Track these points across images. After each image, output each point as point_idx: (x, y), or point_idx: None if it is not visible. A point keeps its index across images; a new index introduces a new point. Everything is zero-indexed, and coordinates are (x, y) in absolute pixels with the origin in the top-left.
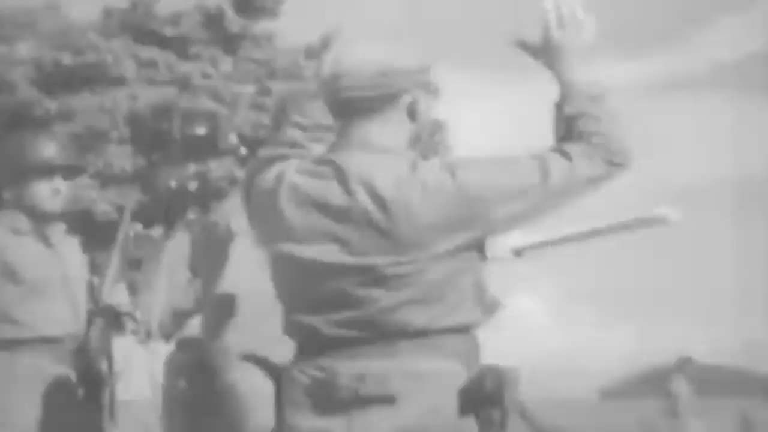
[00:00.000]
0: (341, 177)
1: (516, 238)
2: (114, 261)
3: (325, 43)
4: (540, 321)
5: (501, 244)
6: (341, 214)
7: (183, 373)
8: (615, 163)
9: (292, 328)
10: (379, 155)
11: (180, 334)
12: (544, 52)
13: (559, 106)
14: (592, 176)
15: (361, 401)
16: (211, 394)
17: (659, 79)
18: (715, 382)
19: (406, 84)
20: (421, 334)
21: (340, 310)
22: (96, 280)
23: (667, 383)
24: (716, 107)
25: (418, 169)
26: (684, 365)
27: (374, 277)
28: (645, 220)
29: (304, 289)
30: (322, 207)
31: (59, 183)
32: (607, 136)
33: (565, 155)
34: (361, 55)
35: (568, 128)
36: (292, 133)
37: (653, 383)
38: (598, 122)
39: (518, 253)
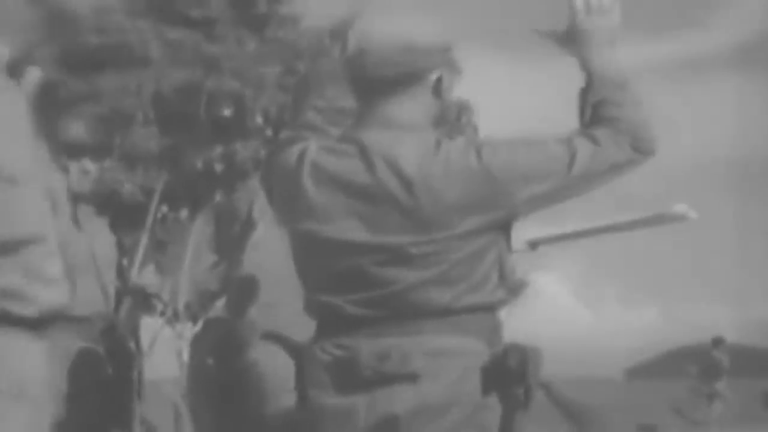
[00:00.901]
0: (364, 154)
1: (532, 230)
2: (143, 242)
3: (348, 22)
4: (565, 300)
5: (516, 236)
6: (364, 192)
7: (210, 351)
8: (641, 149)
9: (313, 307)
10: (403, 133)
11: (206, 314)
12: (570, 39)
13: (584, 92)
14: (617, 162)
15: (384, 379)
16: (235, 373)
17: (674, 61)
18: (739, 361)
19: (432, 62)
20: (444, 312)
21: (362, 289)
22: (125, 261)
23: (716, 362)
24: (731, 87)
25: (443, 148)
26: (718, 345)
27: (397, 256)
28: (662, 217)
29: (325, 267)
30: (345, 185)
31: (88, 163)
32: (634, 123)
33: (593, 139)
34: (388, 32)
35: (594, 114)
36: (312, 117)
37: (678, 362)
38: (625, 108)
39: (533, 246)
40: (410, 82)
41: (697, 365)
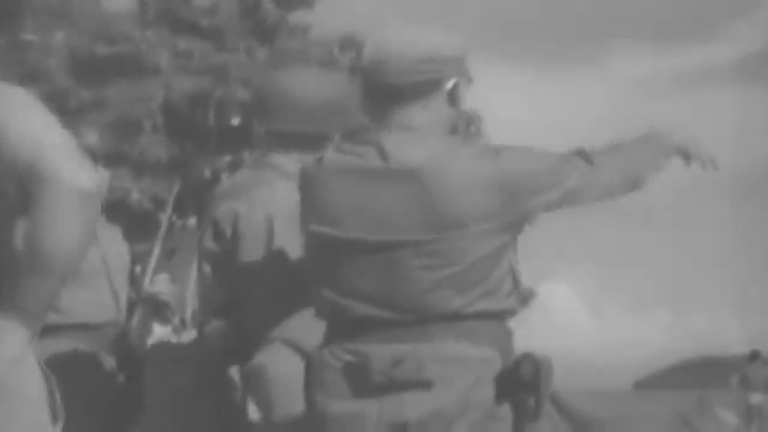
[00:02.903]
0: (380, 155)
1: None
2: (155, 250)
3: (359, 35)
4: (574, 311)
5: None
6: (379, 191)
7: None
8: (628, 181)
9: (324, 309)
10: (420, 135)
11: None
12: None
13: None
14: (605, 184)
15: (396, 385)
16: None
17: (695, 70)
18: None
19: (449, 70)
20: (455, 317)
21: (374, 290)
22: (138, 269)
23: (756, 376)
24: (737, 97)
25: (461, 151)
26: (755, 359)
27: (410, 255)
28: None
29: (339, 267)
30: (360, 184)
31: (101, 171)
32: (632, 157)
33: (588, 160)
34: (406, 41)
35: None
36: None
37: (688, 374)
38: (635, 146)
39: None
40: (427, 91)
41: (737, 377)
